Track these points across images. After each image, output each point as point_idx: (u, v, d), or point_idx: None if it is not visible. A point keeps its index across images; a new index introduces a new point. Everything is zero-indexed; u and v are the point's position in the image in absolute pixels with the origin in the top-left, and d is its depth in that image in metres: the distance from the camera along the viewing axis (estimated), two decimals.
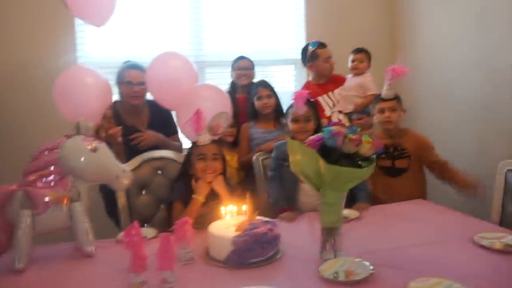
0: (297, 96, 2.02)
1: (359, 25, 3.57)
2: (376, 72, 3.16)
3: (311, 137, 1.39)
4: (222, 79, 3.28)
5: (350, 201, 2.07)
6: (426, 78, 3.34)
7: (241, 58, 2.96)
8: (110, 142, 2.15)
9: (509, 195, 1.87)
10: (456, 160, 3.00)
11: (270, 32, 3.56)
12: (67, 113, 2.05)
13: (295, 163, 1.39)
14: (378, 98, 2.30)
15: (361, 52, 2.89)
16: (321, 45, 2.89)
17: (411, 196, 2.15)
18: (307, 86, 2.97)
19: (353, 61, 2.89)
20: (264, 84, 2.68)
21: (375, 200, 2.12)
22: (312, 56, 2.87)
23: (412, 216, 1.88)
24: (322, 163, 1.29)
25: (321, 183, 1.35)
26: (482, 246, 1.46)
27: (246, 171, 2.63)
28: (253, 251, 1.40)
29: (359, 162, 1.37)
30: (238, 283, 1.26)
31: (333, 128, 1.33)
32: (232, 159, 2.63)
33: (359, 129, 1.39)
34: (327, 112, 2.85)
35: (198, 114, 1.85)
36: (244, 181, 2.65)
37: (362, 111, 2.76)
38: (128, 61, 2.48)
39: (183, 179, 2.00)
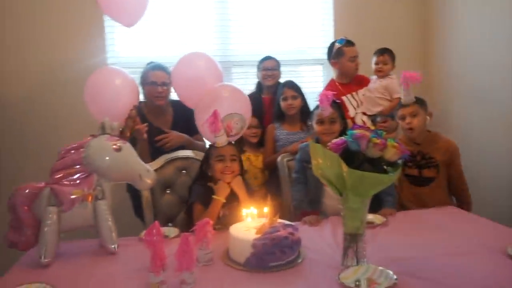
0: (322, 97, 1.97)
1: (389, 25, 3.47)
2: (407, 67, 3.08)
3: (334, 140, 1.35)
4: (249, 79, 3.30)
5: (377, 206, 2.02)
6: (460, 80, 3.22)
7: (267, 58, 2.92)
8: (135, 137, 2.19)
9: None
10: (490, 164, 2.91)
11: (297, 31, 3.51)
12: (97, 113, 2.10)
13: (317, 167, 1.36)
14: (399, 105, 2.22)
15: (385, 53, 2.80)
16: (349, 42, 2.81)
17: (439, 205, 2.07)
18: (331, 84, 2.91)
19: (376, 63, 2.80)
20: (290, 85, 2.65)
21: (401, 208, 2.07)
22: (338, 53, 2.82)
23: (440, 224, 1.81)
24: (344, 167, 1.26)
25: (343, 187, 1.31)
26: None
27: (271, 172, 2.62)
28: (273, 254, 1.38)
29: (385, 167, 1.33)
30: (256, 287, 1.25)
31: (357, 131, 1.29)
32: (256, 160, 2.62)
33: (384, 133, 1.34)
34: (351, 113, 2.78)
35: (215, 115, 1.85)
36: (269, 182, 2.64)
37: (387, 115, 2.67)
38: (152, 62, 2.51)
39: (201, 180, 2.01)
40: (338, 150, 1.31)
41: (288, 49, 3.49)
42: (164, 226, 1.94)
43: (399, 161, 1.33)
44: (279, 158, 2.40)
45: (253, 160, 2.61)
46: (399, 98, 2.61)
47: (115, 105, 2.07)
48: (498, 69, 2.84)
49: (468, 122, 3.14)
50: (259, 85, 2.97)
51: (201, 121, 2.10)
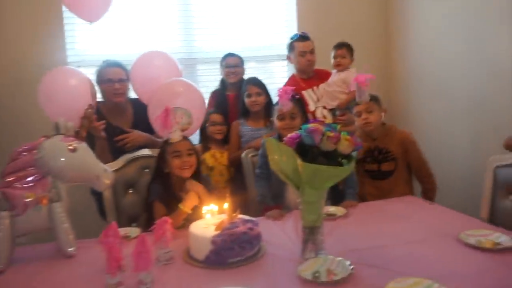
0: (281, 93, 1.99)
1: (352, 20, 3.53)
2: (369, 68, 3.13)
3: (289, 135, 1.36)
4: (214, 76, 3.26)
5: (339, 199, 2.06)
6: (419, 73, 3.31)
7: (229, 55, 2.91)
8: (93, 134, 2.14)
9: (498, 191, 1.84)
10: (448, 156, 3.00)
11: (262, 27, 3.52)
12: (53, 114, 2.04)
13: (274, 162, 1.37)
14: (354, 102, 2.26)
15: (343, 47, 2.81)
16: (301, 37, 2.82)
17: (401, 196, 2.12)
18: (292, 79, 2.93)
19: (335, 57, 2.82)
20: (254, 82, 2.65)
21: (365, 201, 2.10)
22: (290, 48, 2.85)
23: (399, 213, 1.85)
24: (299, 161, 1.27)
25: (299, 181, 1.32)
26: (467, 244, 1.44)
27: (236, 168, 2.61)
28: (232, 250, 1.38)
29: (339, 160, 1.35)
30: (215, 284, 1.25)
31: (311, 125, 1.31)
32: (222, 156, 2.62)
33: (338, 126, 1.36)
34: (311, 107, 2.80)
35: (166, 111, 1.83)
36: (234, 178, 2.64)
37: (345, 108, 2.71)
38: (107, 60, 2.46)
39: (159, 178, 1.98)
40: (293, 144, 1.32)
41: (253, 45, 3.50)
42: (127, 227, 1.93)
43: (353, 154, 1.35)
44: (243, 154, 2.41)
45: (219, 157, 2.61)
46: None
47: (71, 106, 2.01)
48: (457, 63, 2.92)
49: (428, 116, 3.23)
50: (223, 82, 2.96)
51: (154, 117, 2.08)
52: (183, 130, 2.06)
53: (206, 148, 2.62)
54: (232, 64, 2.87)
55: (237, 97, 2.80)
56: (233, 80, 2.86)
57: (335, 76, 2.82)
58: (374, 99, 2.21)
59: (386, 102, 3.44)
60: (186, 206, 1.81)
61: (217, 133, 2.62)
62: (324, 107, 2.82)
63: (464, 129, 2.89)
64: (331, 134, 1.29)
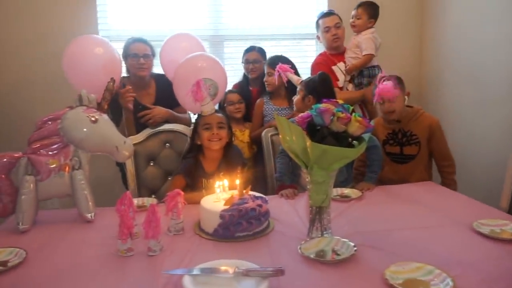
0: (278, 69, 2.09)
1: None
2: (401, 50, 3.02)
3: (301, 114, 1.36)
4: (240, 53, 3.27)
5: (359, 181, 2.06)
6: (453, 53, 3.17)
7: (250, 50, 2.83)
8: (118, 107, 2.22)
9: None
10: (478, 146, 2.89)
11: (290, 5, 3.46)
12: (77, 83, 2.12)
13: (284, 140, 1.37)
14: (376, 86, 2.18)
15: (359, 7, 2.66)
16: (325, 14, 2.75)
17: (419, 181, 2.08)
18: (322, 54, 2.87)
19: (352, 17, 2.69)
20: (270, 61, 2.62)
21: (382, 185, 2.06)
22: (317, 26, 2.80)
23: (415, 198, 1.82)
24: (308, 141, 1.27)
25: (308, 161, 1.33)
26: (479, 233, 1.40)
27: (259, 146, 2.63)
28: (240, 225, 1.42)
29: (351, 142, 1.34)
30: (221, 255, 1.28)
31: (322, 105, 1.30)
32: (242, 135, 2.64)
33: (351, 108, 1.34)
34: (340, 82, 2.72)
35: (198, 84, 1.86)
36: (257, 155, 2.66)
37: (360, 74, 2.59)
38: (134, 36, 2.51)
39: (191, 153, 2.04)
40: (303, 124, 1.32)
41: (281, 23, 3.45)
42: (147, 197, 2.01)
43: (365, 136, 1.33)
44: (263, 133, 2.42)
45: (239, 135, 2.63)
46: (368, 55, 2.57)
47: (95, 76, 2.08)
48: (492, 49, 2.77)
49: (459, 104, 3.10)
50: (245, 77, 2.90)
51: (180, 92, 2.12)
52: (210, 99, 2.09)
53: None
54: (251, 59, 2.79)
55: (260, 92, 2.78)
56: (253, 75, 2.80)
57: (351, 41, 2.71)
58: (398, 81, 2.12)
59: (415, 83, 3.35)
60: (208, 193, 1.79)
61: (235, 111, 2.64)
62: (350, 81, 2.72)
63: (494, 117, 2.77)
64: (342, 115, 1.28)
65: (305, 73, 2.81)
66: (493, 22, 2.76)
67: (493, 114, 2.78)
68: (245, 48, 2.87)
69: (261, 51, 2.84)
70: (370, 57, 2.60)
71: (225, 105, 2.66)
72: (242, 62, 2.86)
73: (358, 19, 2.65)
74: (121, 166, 2.51)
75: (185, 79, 2.08)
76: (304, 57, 3.41)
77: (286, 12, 3.46)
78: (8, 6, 3.03)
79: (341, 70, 2.74)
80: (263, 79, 2.67)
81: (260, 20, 3.40)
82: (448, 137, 2.23)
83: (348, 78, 2.74)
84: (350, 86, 2.74)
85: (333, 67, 2.73)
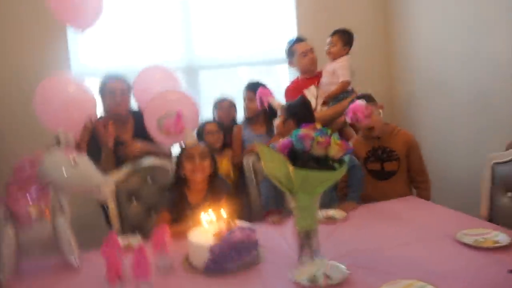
0: (258, 95, 2.16)
1: (351, 22, 3.47)
2: (370, 68, 3.12)
3: (281, 141, 1.38)
4: (216, 81, 3.33)
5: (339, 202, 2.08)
6: (421, 69, 3.29)
7: (222, 99, 2.88)
8: (102, 144, 2.20)
9: (497, 188, 1.83)
10: (450, 154, 2.98)
11: (261, 32, 3.54)
12: (49, 123, 2.09)
13: (267, 168, 1.39)
14: (345, 95, 2.26)
15: (335, 34, 2.72)
16: (298, 40, 2.84)
17: (401, 197, 2.12)
18: (295, 81, 2.94)
19: (327, 45, 2.75)
20: (250, 87, 2.67)
21: (364, 203, 2.09)
22: (289, 53, 2.86)
23: (398, 215, 1.86)
24: (290, 167, 1.28)
25: (292, 187, 1.34)
26: (464, 244, 1.44)
27: (239, 171, 2.62)
28: (230, 258, 1.40)
29: (332, 164, 1.36)
30: None
31: (302, 131, 1.32)
32: (221, 164, 2.63)
33: (329, 131, 1.37)
34: (313, 105, 2.74)
35: (178, 116, 1.87)
36: (238, 181, 2.65)
37: (336, 98, 2.64)
38: (109, 72, 2.51)
39: (175, 184, 2.03)
40: (284, 150, 1.34)
41: (253, 49, 3.52)
42: (131, 235, 1.97)
43: (345, 157, 1.36)
44: (244, 160, 2.42)
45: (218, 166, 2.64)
46: (344, 82, 2.63)
47: (68, 115, 2.07)
48: (457, 62, 2.89)
49: (430, 115, 3.21)
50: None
51: (150, 125, 2.12)
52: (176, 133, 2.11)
53: None
54: (225, 106, 2.85)
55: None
56: (227, 121, 2.82)
57: (326, 67, 2.76)
58: (368, 98, 2.20)
59: (387, 101, 3.44)
60: (195, 225, 1.70)
61: (214, 141, 2.63)
62: (324, 103, 2.76)
63: (465, 128, 2.87)
64: (321, 139, 1.31)
65: (279, 98, 2.85)
66: (458, 36, 2.89)
67: (463, 126, 2.89)
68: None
69: (232, 101, 2.89)
70: (347, 84, 2.65)
71: (203, 135, 2.66)
72: (214, 109, 2.90)
73: (333, 46, 2.71)
74: (104, 205, 2.46)
75: (154, 112, 2.08)
76: (278, 82, 3.48)
77: (258, 38, 3.53)
78: None
79: (311, 94, 2.81)
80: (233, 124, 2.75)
81: (233, 48, 3.45)
82: (423, 151, 2.30)
83: (320, 100, 2.80)
84: (324, 108, 2.79)
85: (305, 91, 2.78)
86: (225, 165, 2.63)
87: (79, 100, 2.18)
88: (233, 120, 2.86)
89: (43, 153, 1.62)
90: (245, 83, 2.79)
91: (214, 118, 2.88)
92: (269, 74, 3.60)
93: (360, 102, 2.11)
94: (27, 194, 1.57)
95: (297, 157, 1.33)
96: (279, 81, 3.53)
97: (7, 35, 3.02)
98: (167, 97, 2.29)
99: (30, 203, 1.56)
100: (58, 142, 1.65)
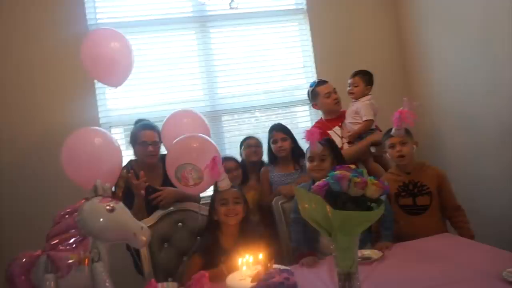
0: (307, 133, 2.07)
1: (369, 60, 3.58)
2: (390, 106, 3.15)
3: (318, 183, 1.39)
4: (240, 125, 3.42)
5: (375, 241, 2.05)
6: (443, 105, 3.30)
7: (249, 137, 2.96)
8: (134, 193, 2.23)
9: None
10: (479, 187, 2.92)
11: (282, 74, 3.64)
12: (78, 179, 2.16)
13: (304, 210, 1.40)
14: (388, 135, 2.28)
15: (355, 75, 2.80)
16: (320, 82, 2.91)
17: (436, 233, 2.08)
18: (320, 122, 2.99)
19: (349, 85, 2.82)
20: (278, 128, 2.72)
21: (398, 240, 2.06)
22: (313, 95, 2.92)
23: (436, 253, 1.82)
24: (329, 208, 1.29)
25: (331, 228, 1.34)
26: (510, 283, 1.39)
27: (269, 214, 2.61)
28: None
29: (369, 204, 1.36)
30: None
31: (338, 172, 1.34)
32: None
33: (364, 171, 1.39)
34: (339, 145, 2.77)
35: (214, 160, 1.91)
36: (266, 226, 2.64)
37: (359, 137, 2.68)
38: (140, 120, 2.60)
39: (209, 229, 2.04)
40: (322, 192, 1.35)
41: (274, 91, 3.61)
42: (164, 281, 1.97)
43: (382, 197, 1.37)
44: (273, 201, 2.43)
45: None
46: (368, 121, 2.67)
47: (96, 168, 2.13)
48: (480, 93, 2.90)
49: (457, 150, 3.18)
50: (243, 163, 2.93)
51: (170, 171, 2.16)
52: (195, 185, 2.12)
53: None
54: (253, 144, 2.90)
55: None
56: (254, 159, 2.87)
57: (350, 107, 2.82)
58: (406, 132, 2.24)
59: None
60: (228, 269, 1.73)
61: (233, 178, 2.66)
62: (349, 142, 2.80)
63: (494, 162, 2.83)
64: (358, 180, 1.32)
65: (299, 137, 2.87)
66: (479, 69, 2.90)
67: (492, 160, 2.85)
68: (245, 137, 3.00)
69: (259, 139, 2.94)
70: (370, 122, 2.70)
71: None
72: (242, 149, 2.93)
73: (355, 86, 2.79)
74: (132, 250, 2.47)
75: (174, 162, 2.14)
76: (296, 123, 3.58)
77: (278, 81, 3.63)
78: (7, 99, 3.12)
79: (337, 134, 2.85)
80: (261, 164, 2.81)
81: (254, 92, 3.56)
82: (454, 188, 2.27)
83: (346, 141, 2.83)
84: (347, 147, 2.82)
85: (329, 132, 2.82)
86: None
87: (104, 151, 2.25)
88: (260, 159, 2.91)
89: (82, 203, 1.67)
90: (269, 125, 2.85)
91: (241, 157, 2.93)
92: (288, 116, 3.66)
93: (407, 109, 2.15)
94: (67, 243, 1.61)
95: (335, 198, 1.34)
96: (298, 123, 3.61)
97: (36, 90, 3.17)
98: (187, 144, 2.28)
99: (70, 252, 1.59)
100: (95, 192, 1.71)
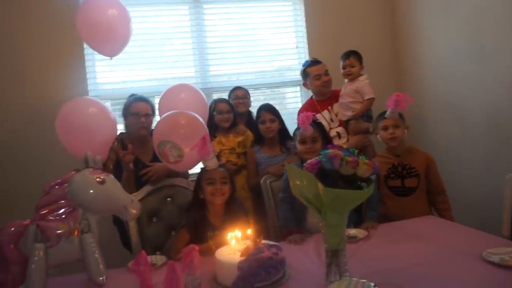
0: (302, 118, 2.08)
1: (361, 43, 3.58)
2: (380, 91, 3.18)
3: (309, 161, 1.41)
4: None
5: (361, 220, 2.09)
6: (432, 93, 3.35)
7: (237, 88, 3.05)
8: (123, 167, 2.23)
9: None
10: (465, 174, 3.00)
11: (273, 54, 3.63)
12: (72, 147, 2.13)
13: (295, 187, 1.41)
14: (381, 116, 2.31)
15: (350, 56, 2.81)
16: (313, 62, 2.92)
17: (422, 214, 2.14)
18: (309, 102, 3.00)
19: (344, 67, 2.83)
20: (267, 108, 2.72)
21: (386, 220, 2.11)
22: (304, 74, 2.94)
23: (420, 233, 1.87)
24: (320, 186, 1.31)
25: (321, 206, 1.36)
26: (491, 262, 1.45)
27: (257, 194, 2.65)
28: (258, 275, 1.41)
29: (359, 184, 1.39)
30: None
31: (330, 151, 1.36)
32: (227, 140, 2.78)
33: (356, 151, 1.41)
34: (326, 128, 2.80)
35: (203, 140, 1.90)
36: (255, 205, 2.68)
37: (362, 116, 2.72)
38: (133, 94, 2.58)
39: (195, 206, 2.05)
40: (314, 170, 1.37)
41: (265, 71, 3.61)
42: (152, 255, 1.98)
43: (372, 177, 1.39)
44: (261, 180, 2.45)
45: (224, 141, 2.77)
46: (370, 99, 2.70)
47: (90, 138, 2.11)
48: (468, 81, 2.96)
49: (443, 136, 3.25)
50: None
51: (154, 146, 2.16)
52: (176, 162, 2.12)
53: (213, 137, 2.74)
54: (240, 95, 3.00)
55: (247, 125, 2.93)
56: (242, 109, 2.98)
57: (347, 87, 2.83)
58: (399, 115, 2.27)
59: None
60: (216, 245, 1.75)
61: (224, 121, 2.75)
62: (339, 125, 2.84)
63: (478, 148, 2.90)
64: (350, 159, 1.34)
65: (288, 118, 2.93)
66: (468, 57, 2.95)
67: (476, 146, 2.92)
68: None
69: (246, 90, 3.07)
70: (372, 100, 2.73)
71: (214, 113, 2.76)
72: (229, 99, 3.00)
73: (352, 67, 2.80)
74: (120, 224, 2.48)
75: (159, 135, 2.14)
76: (285, 104, 3.62)
77: (268, 60, 3.62)
78: None
79: (324, 118, 2.87)
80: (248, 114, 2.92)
81: (245, 70, 3.54)
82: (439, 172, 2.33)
83: (334, 124, 2.86)
84: (341, 130, 2.83)
85: (317, 115, 2.83)
86: (231, 141, 2.76)
87: (100, 122, 2.22)
88: (247, 109, 3.03)
89: (72, 174, 1.66)
90: (257, 105, 2.85)
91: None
92: (278, 96, 3.67)
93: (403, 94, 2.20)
94: (57, 214, 1.61)
95: (326, 176, 1.36)
96: (287, 104, 3.63)
97: (26, 61, 3.11)
98: (175, 120, 2.24)
99: (60, 222, 1.59)
100: (86, 164, 1.70)
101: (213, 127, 2.78)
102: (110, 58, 2.59)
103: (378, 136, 2.35)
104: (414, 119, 3.49)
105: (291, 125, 2.74)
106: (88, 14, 2.46)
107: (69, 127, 2.22)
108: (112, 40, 2.49)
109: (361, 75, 2.81)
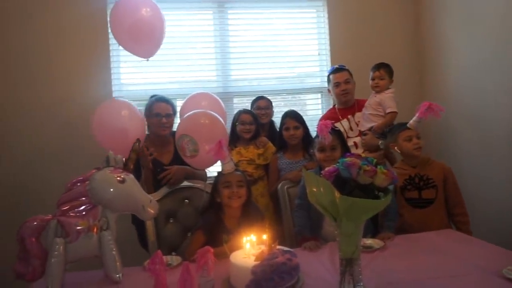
0: (321, 126, 2.08)
1: (384, 52, 3.56)
2: (404, 101, 3.15)
3: (327, 168, 1.41)
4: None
5: (378, 231, 2.07)
6: (454, 103, 3.28)
7: (260, 98, 3.05)
8: (140, 166, 2.27)
9: None
10: (485, 187, 2.93)
11: (295, 61, 3.64)
12: (105, 143, 2.22)
13: (312, 194, 1.41)
14: (403, 127, 2.28)
15: (380, 68, 2.79)
16: (335, 70, 2.91)
17: (440, 227, 2.11)
18: (331, 111, 3.00)
19: (373, 78, 2.81)
20: (292, 115, 2.71)
21: (403, 232, 2.08)
22: (328, 81, 2.96)
23: (437, 246, 1.84)
24: (337, 194, 1.31)
25: (337, 213, 1.36)
26: (510, 280, 1.41)
27: (277, 200, 2.64)
28: (272, 281, 1.42)
29: (376, 193, 1.38)
30: None
31: (348, 159, 1.36)
32: (247, 151, 2.79)
33: (375, 161, 1.40)
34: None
35: (219, 144, 1.93)
36: (275, 211, 2.67)
37: (381, 132, 2.67)
38: (155, 95, 2.63)
39: (211, 208, 2.07)
40: (331, 177, 1.37)
41: (287, 78, 3.61)
42: (167, 255, 2.01)
43: (390, 187, 1.38)
44: (279, 186, 2.46)
45: (244, 152, 2.77)
46: (392, 113, 2.67)
47: (123, 136, 2.19)
48: (493, 95, 2.89)
49: (466, 148, 3.18)
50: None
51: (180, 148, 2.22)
52: (191, 157, 2.17)
53: (233, 147, 2.78)
54: (262, 106, 3.00)
55: (267, 137, 2.91)
56: (264, 121, 2.98)
57: (372, 99, 2.81)
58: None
59: (423, 138, 3.45)
60: (230, 249, 1.73)
61: (245, 132, 2.76)
62: (359, 135, 2.82)
63: (502, 162, 2.83)
64: (368, 168, 1.33)
65: (308, 125, 2.88)
66: (493, 71, 2.89)
67: (500, 160, 2.85)
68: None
69: (269, 100, 3.06)
70: (395, 115, 2.70)
71: (236, 123, 2.79)
72: (253, 109, 3.01)
73: (381, 79, 2.78)
74: (138, 224, 2.52)
75: (182, 129, 2.22)
76: (306, 111, 3.59)
77: (290, 67, 3.63)
78: (24, 72, 3.14)
79: (343, 127, 2.85)
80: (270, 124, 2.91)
81: (266, 77, 3.56)
82: (459, 185, 2.28)
83: (352, 134, 2.85)
84: (358, 140, 2.83)
85: (336, 124, 2.81)
86: (251, 152, 2.78)
87: (133, 123, 2.31)
88: (269, 120, 3.03)
89: (93, 172, 1.70)
90: (278, 111, 2.87)
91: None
92: (299, 103, 3.67)
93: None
94: (77, 210, 1.65)
95: (343, 184, 1.36)
96: (307, 111, 3.62)
97: (50, 62, 3.19)
98: (198, 118, 2.31)
99: (80, 219, 1.63)
100: (107, 163, 1.74)
101: (235, 137, 2.80)
102: (147, 59, 2.65)
103: (396, 148, 2.32)
104: (436, 131, 3.45)
105: (311, 132, 2.74)
106: (124, 15, 2.49)
107: (105, 129, 2.32)
108: (151, 41, 2.54)
109: (389, 88, 2.79)
